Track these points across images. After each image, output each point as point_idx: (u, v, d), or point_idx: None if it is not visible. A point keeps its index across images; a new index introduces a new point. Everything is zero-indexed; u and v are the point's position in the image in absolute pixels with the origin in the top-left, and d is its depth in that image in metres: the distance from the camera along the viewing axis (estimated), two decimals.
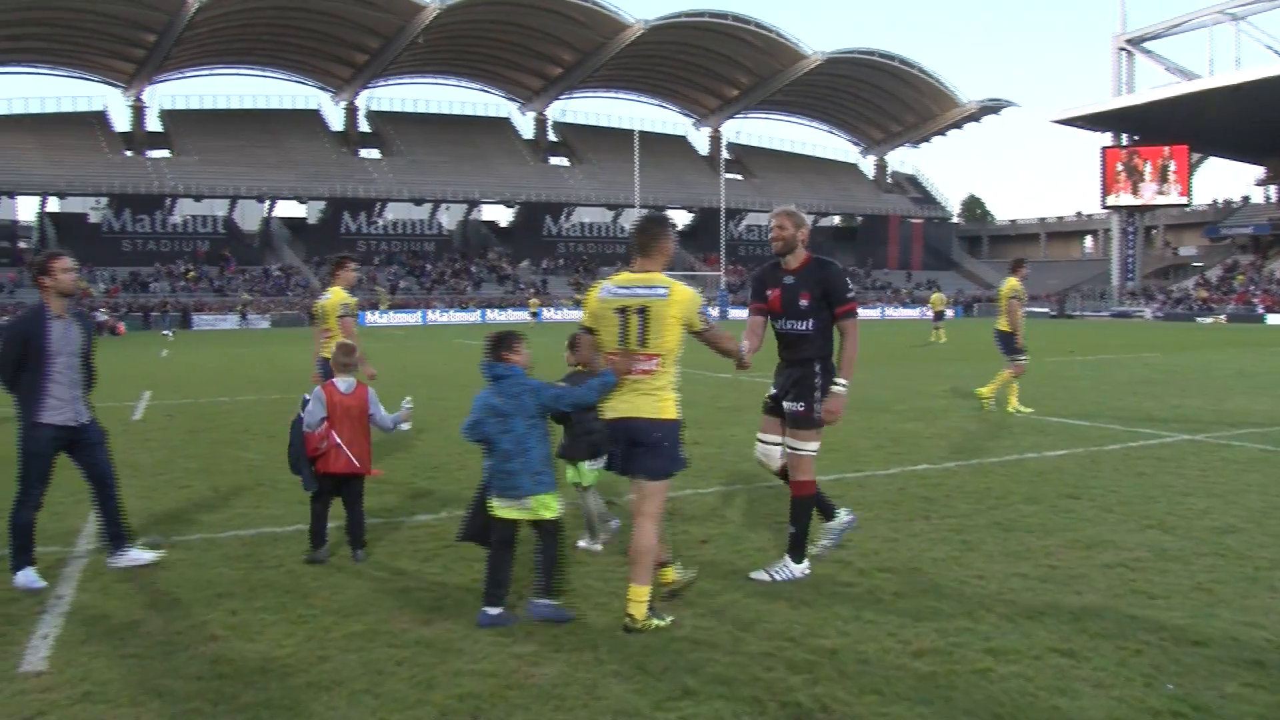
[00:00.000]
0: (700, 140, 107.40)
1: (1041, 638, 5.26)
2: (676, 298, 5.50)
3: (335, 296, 10.41)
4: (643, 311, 5.50)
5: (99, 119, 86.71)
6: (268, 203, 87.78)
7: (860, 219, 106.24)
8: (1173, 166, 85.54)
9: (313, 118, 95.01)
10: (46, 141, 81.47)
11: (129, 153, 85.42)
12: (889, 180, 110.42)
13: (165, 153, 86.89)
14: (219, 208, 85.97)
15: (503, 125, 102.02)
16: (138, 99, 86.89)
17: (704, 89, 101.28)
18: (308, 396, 7.09)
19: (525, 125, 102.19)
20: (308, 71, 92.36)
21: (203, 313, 70.85)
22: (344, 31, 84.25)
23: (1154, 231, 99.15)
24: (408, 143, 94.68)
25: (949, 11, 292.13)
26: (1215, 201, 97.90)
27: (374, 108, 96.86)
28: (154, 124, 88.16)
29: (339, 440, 6.95)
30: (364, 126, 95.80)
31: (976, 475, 9.66)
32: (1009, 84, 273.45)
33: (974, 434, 12.40)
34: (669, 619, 5.54)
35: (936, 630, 5.39)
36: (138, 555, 6.96)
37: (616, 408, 5.58)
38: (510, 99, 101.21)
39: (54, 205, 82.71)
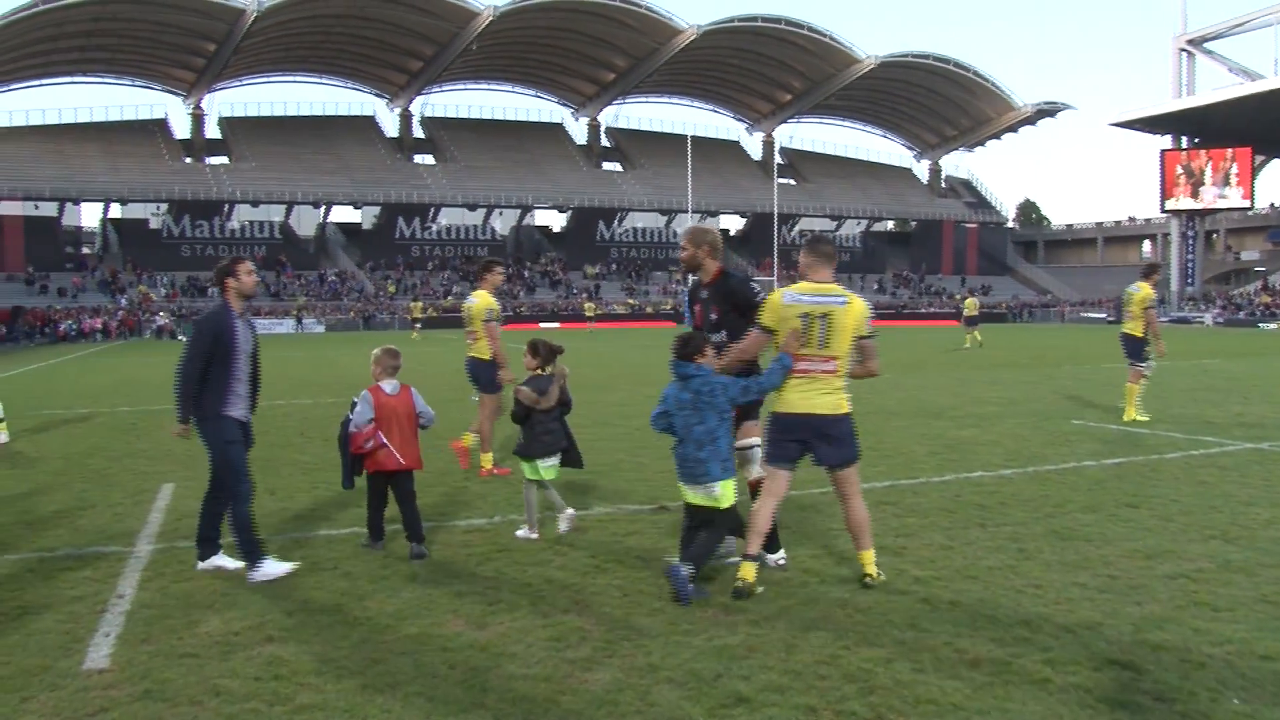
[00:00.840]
0: (753, 145, 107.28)
1: (1101, 649, 5.16)
2: (853, 308, 6.16)
3: (482, 301, 10.59)
4: (825, 318, 6.11)
5: (160, 127, 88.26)
6: (323, 208, 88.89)
7: (914, 224, 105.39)
8: (1235, 169, 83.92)
9: (368, 124, 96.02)
10: (110, 149, 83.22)
11: (188, 159, 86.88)
12: (943, 185, 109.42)
13: (223, 159, 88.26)
14: (275, 213, 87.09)
15: (556, 130, 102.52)
16: (197, 107, 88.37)
17: (757, 93, 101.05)
18: (356, 400, 7.39)
19: (579, 130, 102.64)
20: (363, 78, 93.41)
21: (259, 316, 71.86)
22: (399, 39, 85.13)
23: (1215, 236, 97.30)
24: (462, 148, 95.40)
25: (1004, 14, 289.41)
26: (1277, 205, 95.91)
27: (428, 114, 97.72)
28: (213, 131, 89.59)
29: (385, 440, 7.25)
30: (418, 132, 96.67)
31: (1033, 483, 9.52)
32: (1065, 86, 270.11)
33: (1030, 441, 12.22)
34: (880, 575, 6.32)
35: (993, 639, 5.31)
36: (223, 562, 7.03)
37: (797, 404, 6.17)
38: (564, 104, 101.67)
39: (116, 211, 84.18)
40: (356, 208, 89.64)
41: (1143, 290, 14.26)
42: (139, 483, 10.32)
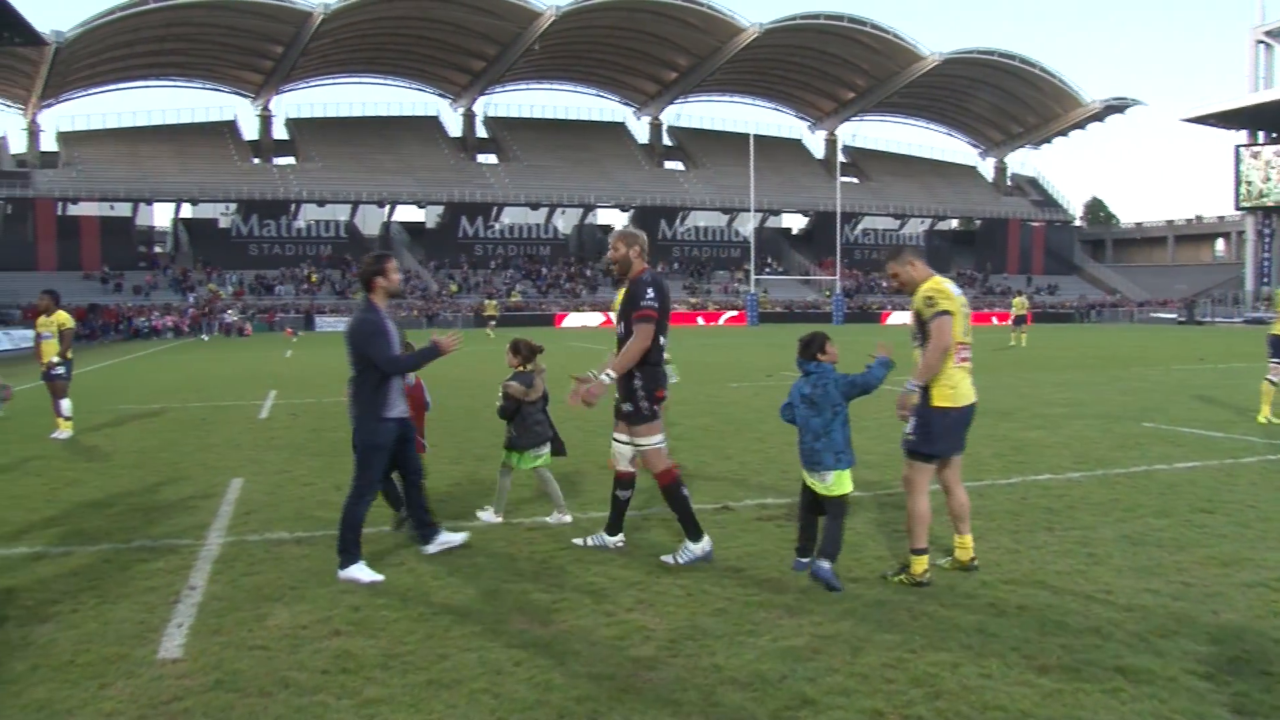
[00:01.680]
0: (815, 143, 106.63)
1: (1176, 658, 5.04)
2: None
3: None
4: (964, 306, 6.52)
5: (229, 128, 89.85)
6: (387, 207, 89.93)
7: (979, 223, 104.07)
8: None
9: (431, 124, 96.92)
10: (181, 151, 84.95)
11: (256, 160, 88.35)
12: (1009, 183, 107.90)
13: (290, 159, 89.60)
14: (341, 212, 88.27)
15: (618, 130, 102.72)
16: (265, 108, 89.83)
17: (819, 91, 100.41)
18: None
19: (640, 130, 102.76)
20: (427, 79, 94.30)
21: (325, 314, 72.80)
22: (462, 39, 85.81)
23: None
24: (524, 148, 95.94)
25: (1072, 8, 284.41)
26: None
27: (491, 113, 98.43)
28: (280, 132, 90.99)
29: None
30: (481, 132, 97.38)
31: (1102, 486, 9.33)
32: (1134, 81, 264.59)
33: (1098, 443, 11.98)
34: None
35: (1062, 646, 5.21)
36: (448, 538, 7.24)
37: (969, 394, 6.49)
38: (625, 103, 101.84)
39: (187, 211, 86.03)
40: (420, 207, 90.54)
41: None
42: (209, 477, 10.51)
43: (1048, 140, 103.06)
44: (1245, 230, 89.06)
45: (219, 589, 6.42)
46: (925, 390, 6.38)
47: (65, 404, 14.11)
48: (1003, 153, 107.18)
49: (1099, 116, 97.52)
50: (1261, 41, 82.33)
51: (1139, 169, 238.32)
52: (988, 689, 4.66)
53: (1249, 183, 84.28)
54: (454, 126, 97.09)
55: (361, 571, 6.72)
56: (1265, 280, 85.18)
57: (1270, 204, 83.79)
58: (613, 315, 7.43)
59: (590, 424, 13.06)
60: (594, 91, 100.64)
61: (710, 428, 13.82)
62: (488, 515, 8.23)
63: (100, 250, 76.86)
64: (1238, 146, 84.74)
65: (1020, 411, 15.39)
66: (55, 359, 14.39)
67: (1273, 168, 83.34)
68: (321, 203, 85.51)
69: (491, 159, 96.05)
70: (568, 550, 7.24)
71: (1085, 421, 14.07)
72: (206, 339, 58.00)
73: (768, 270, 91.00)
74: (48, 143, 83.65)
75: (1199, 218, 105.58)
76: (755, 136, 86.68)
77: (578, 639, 5.39)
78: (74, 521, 8.43)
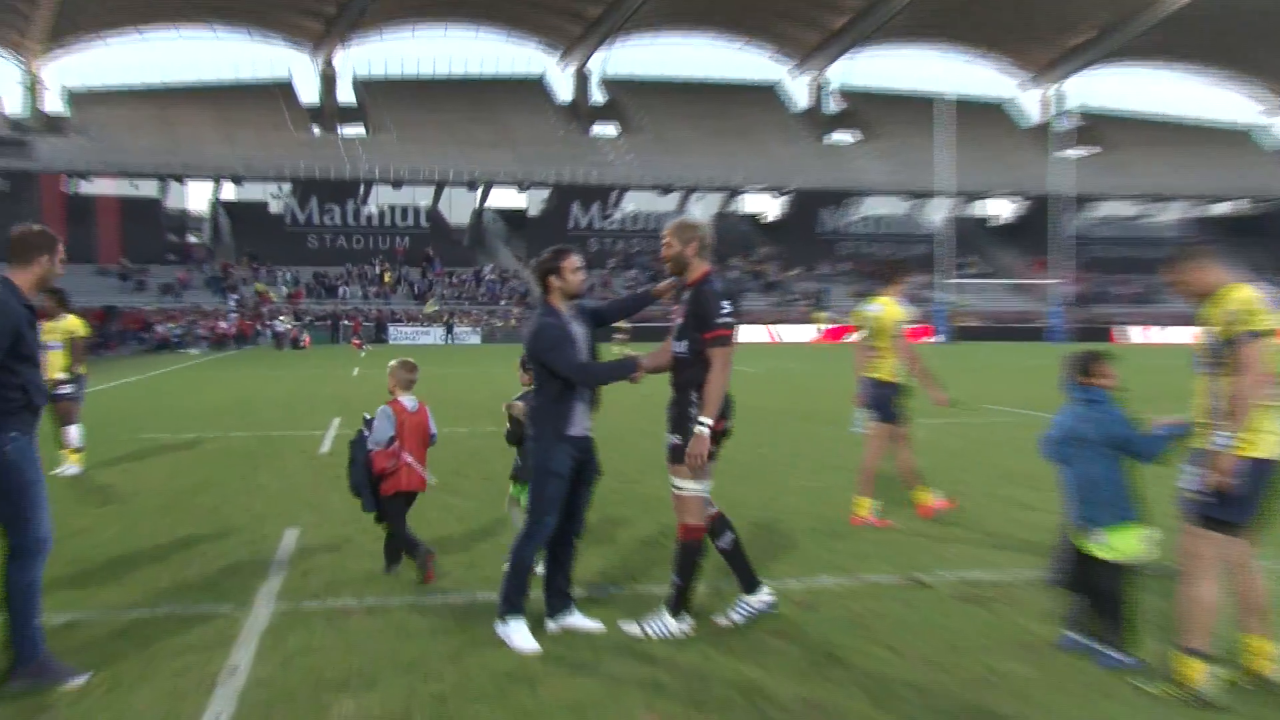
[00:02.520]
0: (1030, 105, 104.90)
1: None
2: None
3: (889, 311, 11.09)
4: None
5: (283, 91, 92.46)
6: (480, 190, 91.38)
7: (1266, 204, 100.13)
8: None
9: (535, 88, 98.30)
10: (223, 117, 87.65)
11: (317, 130, 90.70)
12: None
13: (359, 130, 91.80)
14: (422, 196, 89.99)
15: (769, 95, 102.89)
16: (328, 65, 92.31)
17: (1035, 37, 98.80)
18: (369, 415, 8.81)
19: (799, 91, 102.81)
20: (529, 29, 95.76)
21: (401, 323, 74.09)
22: None
23: None
24: (651, 117, 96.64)
25: None
26: None
27: (610, 74, 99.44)
28: (346, 96, 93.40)
29: (410, 458, 8.74)
30: (597, 97, 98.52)
31: None
32: None
33: None
34: None
35: None
36: (584, 623, 7.35)
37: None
38: (780, 58, 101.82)
39: (229, 192, 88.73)
40: (521, 190, 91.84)
41: None
42: (257, 526, 10.72)
43: None
44: None
45: (267, 671, 6.48)
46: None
47: (75, 431, 13.83)
48: None
49: None
50: None
51: None
52: None
53: None
54: (564, 90, 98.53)
55: (518, 632, 6.94)
56: None
57: None
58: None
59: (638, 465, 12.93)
60: (740, 43, 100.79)
61: (892, 474, 13.60)
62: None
63: (120, 239, 79.40)
64: None
65: None
66: (62, 375, 14.34)
67: None
68: (397, 184, 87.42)
69: (610, 130, 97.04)
70: (711, 636, 7.16)
71: None
72: (195, 353, 59.38)
73: (963, 271, 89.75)
74: (53, 103, 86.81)
75: None
76: (949, 99, 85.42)
77: None
78: (83, 582, 8.63)
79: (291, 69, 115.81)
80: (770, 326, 75.98)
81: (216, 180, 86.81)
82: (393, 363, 9.08)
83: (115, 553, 9.57)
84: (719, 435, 7.10)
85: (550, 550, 7.42)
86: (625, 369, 7.13)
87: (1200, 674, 6.04)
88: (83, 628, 7.35)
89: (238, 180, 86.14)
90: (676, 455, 7.10)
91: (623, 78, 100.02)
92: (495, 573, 8.61)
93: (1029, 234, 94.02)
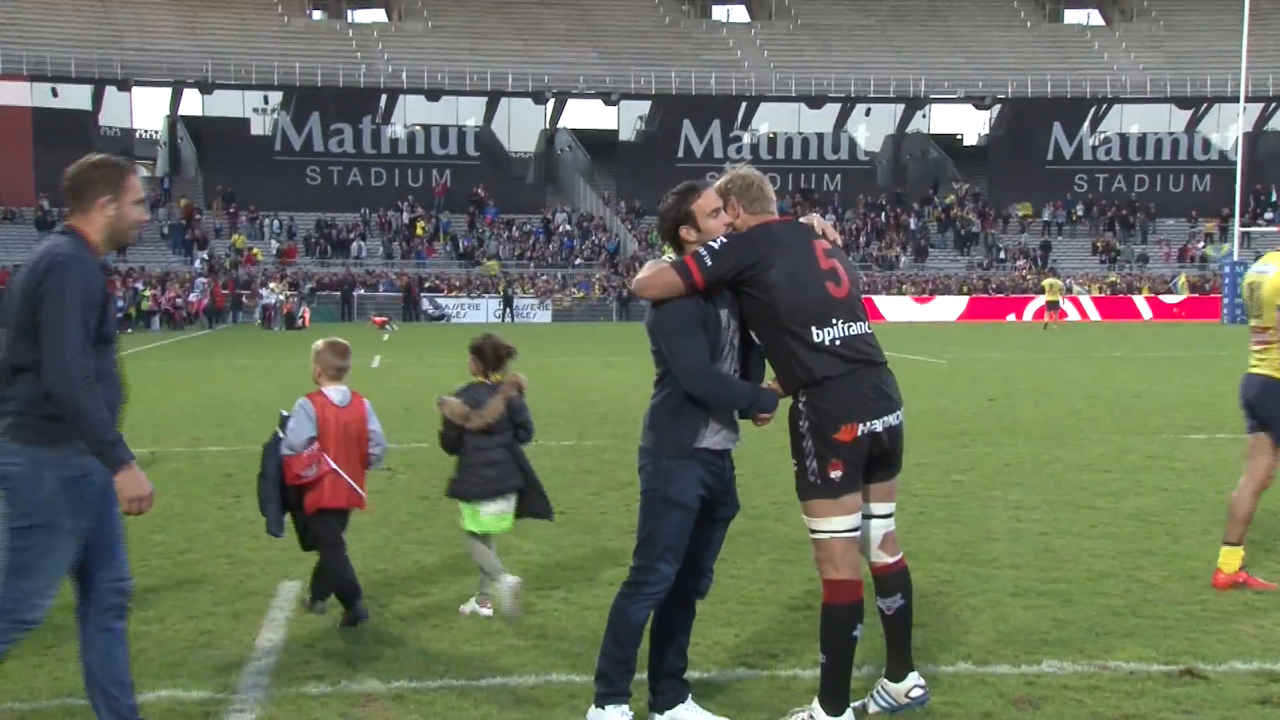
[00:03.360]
0: None
1: None
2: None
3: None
4: None
5: None
6: (550, 103, 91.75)
7: None
8: None
9: None
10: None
11: (317, 14, 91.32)
12: None
13: (378, 15, 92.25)
14: (469, 112, 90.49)
15: None
16: None
17: None
18: (286, 413, 9.40)
19: None
20: None
21: (440, 293, 74.43)
22: None
23: None
24: None
25: None
26: None
27: None
28: None
29: (334, 465, 9.35)
30: None
31: None
32: None
33: None
34: None
35: None
36: (690, 715, 7.46)
37: None
38: None
39: (194, 104, 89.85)
40: (609, 103, 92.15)
41: None
42: (240, 578, 11.00)
43: None
44: None
45: None
46: None
47: None
48: None
49: None
50: None
51: None
52: None
53: None
54: None
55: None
56: None
57: None
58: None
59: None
60: None
61: (1154, 514, 13.56)
62: (469, 606, 9.71)
63: (35, 170, 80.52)
64: None
65: None
66: None
67: None
68: (434, 94, 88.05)
69: (740, 15, 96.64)
70: None
71: None
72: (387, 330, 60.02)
73: (1268, 217, 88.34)
74: None
75: None
76: None
77: None
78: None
79: None
80: (962, 298, 75.65)
81: (175, 86, 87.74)
82: (318, 344, 9.70)
83: (50, 620, 9.78)
84: (840, 449, 7.07)
85: (661, 614, 7.40)
86: (761, 403, 7.12)
87: None
88: None
89: (205, 87, 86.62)
90: (800, 488, 7.26)
91: None
92: (574, 644, 8.81)
93: None
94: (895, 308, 74.76)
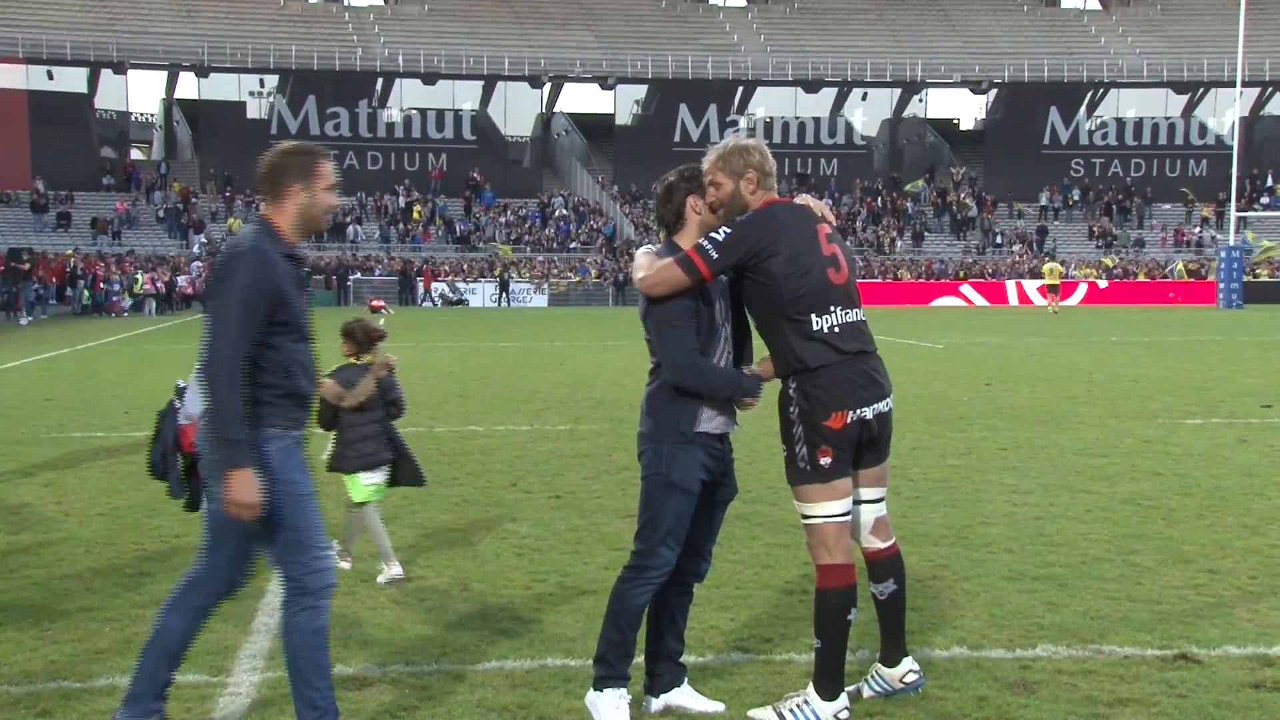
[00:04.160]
0: None
1: None
2: None
3: None
4: None
5: None
6: (547, 87, 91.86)
7: None
8: None
9: None
10: None
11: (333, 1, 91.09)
12: None
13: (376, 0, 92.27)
14: (465, 95, 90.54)
15: None
16: None
17: None
18: (183, 383, 9.54)
19: None
20: None
21: (438, 278, 74.43)
22: None
23: None
24: None
25: None
26: None
27: None
28: None
29: None
30: None
31: None
32: None
33: None
34: None
35: None
36: (697, 701, 7.50)
37: None
38: None
39: (189, 87, 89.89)
40: (606, 87, 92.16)
41: None
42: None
43: None
44: None
45: None
46: None
47: None
48: None
49: None
50: None
51: None
52: None
53: None
54: None
55: (614, 708, 7.08)
56: None
57: None
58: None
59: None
60: None
61: (1149, 498, 13.57)
62: (385, 576, 10.33)
63: (30, 153, 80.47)
64: None
65: None
66: None
67: None
68: (431, 78, 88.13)
69: (736, 0, 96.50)
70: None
71: None
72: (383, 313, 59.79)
73: (1264, 202, 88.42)
74: None
75: None
76: None
77: None
78: None
79: None
80: (961, 284, 75.68)
81: (170, 70, 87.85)
82: None
83: (35, 599, 9.85)
84: (829, 435, 7.09)
85: (659, 598, 7.42)
86: (744, 389, 7.16)
87: None
88: None
89: (201, 70, 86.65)
90: (790, 474, 7.30)
91: None
92: (570, 628, 8.81)
93: None
94: (890, 293, 74.83)
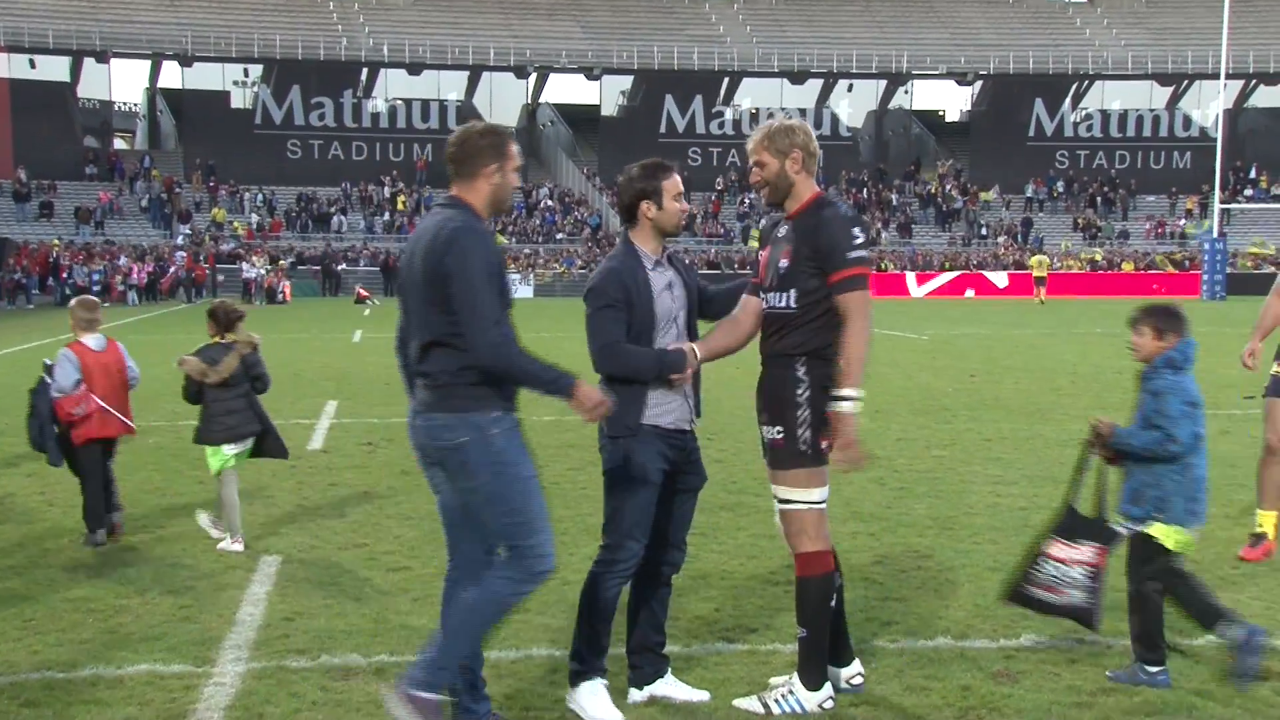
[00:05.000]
0: None
1: None
2: None
3: None
4: None
5: None
6: (531, 78, 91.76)
7: None
8: None
9: None
10: None
11: None
12: None
13: None
14: (450, 86, 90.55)
15: None
16: None
17: None
18: (49, 361, 11.27)
19: None
20: None
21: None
22: None
23: None
24: None
25: None
26: None
27: None
28: None
29: (101, 403, 11.24)
30: None
31: None
32: None
33: None
34: None
35: None
36: (672, 689, 7.52)
37: None
38: None
39: (173, 77, 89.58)
40: (592, 77, 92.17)
41: None
42: (220, 554, 11.04)
43: None
44: None
45: None
46: None
47: None
48: None
49: None
50: None
51: None
52: None
53: None
54: None
55: (596, 698, 7.10)
56: None
57: None
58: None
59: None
60: None
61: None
62: (225, 544, 11.12)
63: (13, 142, 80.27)
64: None
65: None
66: None
67: None
68: (416, 69, 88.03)
69: None
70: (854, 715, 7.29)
71: None
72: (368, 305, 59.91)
73: (1248, 194, 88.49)
74: None
75: None
76: None
77: None
78: None
79: None
80: (949, 274, 75.73)
81: (154, 59, 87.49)
82: (72, 302, 11.83)
83: (18, 590, 9.88)
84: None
85: (636, 590, 7.48)
86: (667, 363, 7.12)
87: None
88: None
89: (185, 59, 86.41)
90: (781, 456, 7.24)
91: None
92: (555, 619, 8.84)
93: None
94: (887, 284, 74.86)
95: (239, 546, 10.96)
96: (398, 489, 13.70)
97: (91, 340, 11.43)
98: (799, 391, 7.09)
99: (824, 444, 7.07)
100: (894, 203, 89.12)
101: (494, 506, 6.41)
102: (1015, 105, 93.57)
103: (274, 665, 8.01)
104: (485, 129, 6.79)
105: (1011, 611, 8.76)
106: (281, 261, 70.37)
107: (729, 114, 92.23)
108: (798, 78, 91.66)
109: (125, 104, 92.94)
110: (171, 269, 68.92)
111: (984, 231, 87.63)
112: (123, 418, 11.41)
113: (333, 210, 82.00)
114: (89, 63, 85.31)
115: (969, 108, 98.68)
